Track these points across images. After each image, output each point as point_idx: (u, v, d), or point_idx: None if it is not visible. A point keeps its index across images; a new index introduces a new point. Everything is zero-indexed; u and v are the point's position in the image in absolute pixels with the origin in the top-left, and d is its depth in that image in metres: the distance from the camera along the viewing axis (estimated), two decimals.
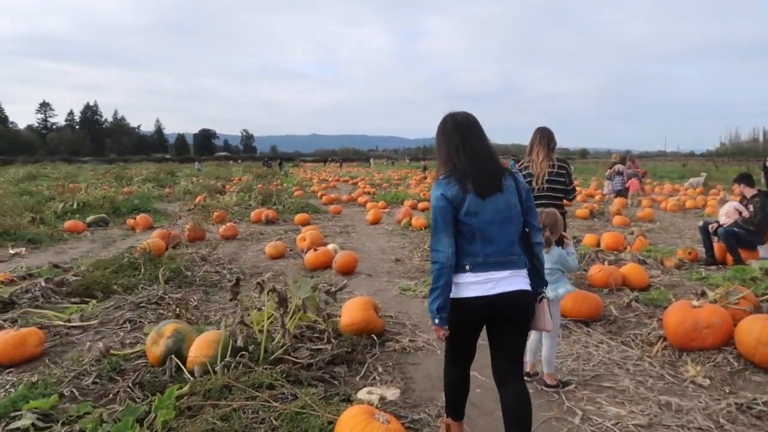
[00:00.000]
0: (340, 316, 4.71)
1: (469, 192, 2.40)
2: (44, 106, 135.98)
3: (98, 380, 3.70)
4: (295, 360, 3.87)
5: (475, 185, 2.41)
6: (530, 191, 2.67)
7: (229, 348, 3.67)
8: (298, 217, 12.91)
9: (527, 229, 2.57)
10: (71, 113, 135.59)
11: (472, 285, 2.40)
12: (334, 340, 4.41)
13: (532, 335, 3.76)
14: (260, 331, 3.96)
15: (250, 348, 3.85)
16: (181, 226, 10.48)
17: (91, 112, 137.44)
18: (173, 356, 3.74)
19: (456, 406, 2.82)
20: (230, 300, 3.78)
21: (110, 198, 14.47)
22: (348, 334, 4.50)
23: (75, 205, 13.93)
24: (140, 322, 5.08)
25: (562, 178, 5.14)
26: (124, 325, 5.00)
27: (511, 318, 2.48)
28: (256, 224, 12.84)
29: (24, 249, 9.22)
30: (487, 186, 2.43)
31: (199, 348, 3.69)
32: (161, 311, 5.40)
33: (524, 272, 2.50)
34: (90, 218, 12.36)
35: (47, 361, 4.20)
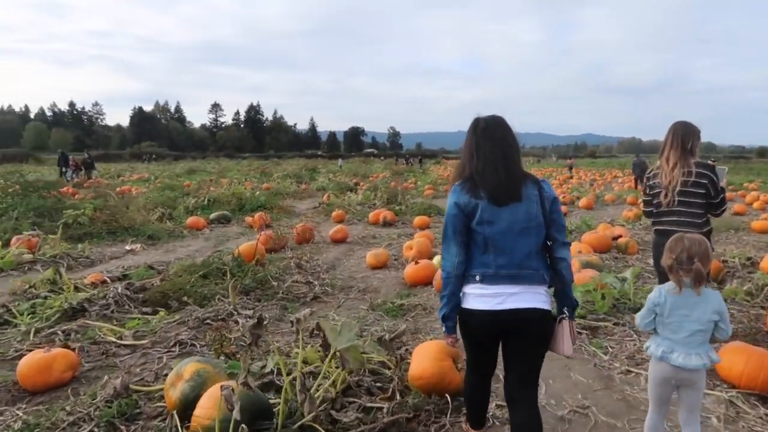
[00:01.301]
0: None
1: (482, 199, 2.30)
2: (215, 107, 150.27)
3: (96, 429, 3.06)
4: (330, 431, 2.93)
5: (489, 192, 2.30)
6: (557, 202, 2.40)
7: (236, 410, 2.83)
8: (418, 219, 12.01)
9: (549, 242, 2.38)
10: (237, 113, 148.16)
11: (480, 297, 2.31)
12: (399, 396, 3.42)
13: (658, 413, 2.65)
14: (291, 385, 3.08)
15: (277, 408, 2.99)
16: (291, 227, 10.05)
17: (254, 111, 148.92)
18: (179, 410, 2.99)
19: (474, 415, 2.82)
20: (248, 345, 2.96)
21: (238, 194, 14.66)
22: (415, 390, 3.47)
23: (206, 201, 14.29)
24: (192, 345, 4.47)
25: (702, 189, 3.69)
26: (173, 349, 4.41)
27: (523, 337, 2.35)
28: (373, 226, 12.16)
29: (139, 245, 9.33)
30: (503, 193, 2.30)
31: (206, 405, 2.88)
32: (224, 332, 4.77)
33: (542, 289, 2.34)
34: (213, 215, 12.50)
35: (69, 392, 3.68)
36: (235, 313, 5.24)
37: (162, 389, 3.51)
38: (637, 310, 2.88)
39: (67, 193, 18.52)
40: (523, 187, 2.32)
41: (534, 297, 2.29)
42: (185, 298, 5.60)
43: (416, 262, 6.78)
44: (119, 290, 5.67)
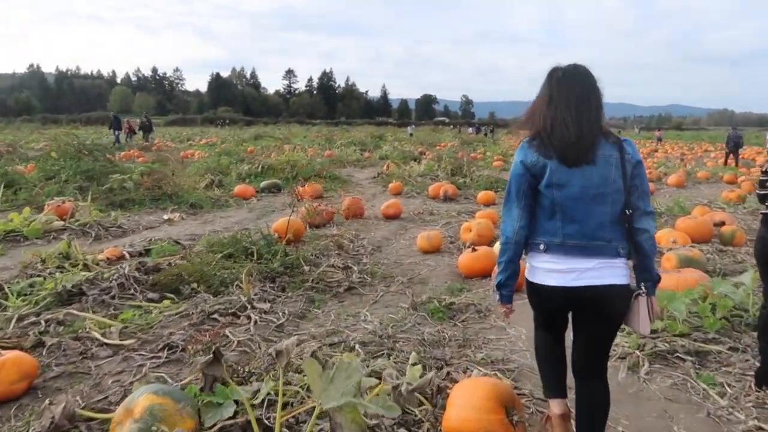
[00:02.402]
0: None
1: (551, 159, 2.04)
2: (289, 74, 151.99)
3: None
4: None
5: (558, 151, 2.03)
6: (641, 165, 2.09)
7: None
8: (482, 195, 10.82)
9: (629, 211, 2.06)
10: (310, 79, 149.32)
11: (553, 273, 2.08)
12: None
13: None
14: None
15: None
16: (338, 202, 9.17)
17: (326, 78, 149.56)
18: None
19: (553, 379, 2.42)
20: (201, 391, 2.08)
21: (293, 161, 13.91)
22: None
23: (259, 168, 13.65)
24: (183, 350, 3.64)
25: None
26: (160, 354, 3.60)
27: (598, 314, 2.13)
28: (433, 200, 11.09)
29: (178, 215, 8.73)
30: (572, 153, 2.02)
31: None
32: (232, 329, 3.94)
33: (619, 262, 2.07)
34: (263, 183, 11.82)
35: (12, 412, 2.93)
36: (249, 306, 4.40)
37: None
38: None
39: (128, 157, 18.54)
40: (600, 147, 2.06)
41: (613, 272, 2.06)
42: (194, 285, 4.81)
43: (473, 249, 5.70)
44: (126, 271, 4.96)
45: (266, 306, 4.43)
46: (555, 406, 2.38)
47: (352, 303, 4.77)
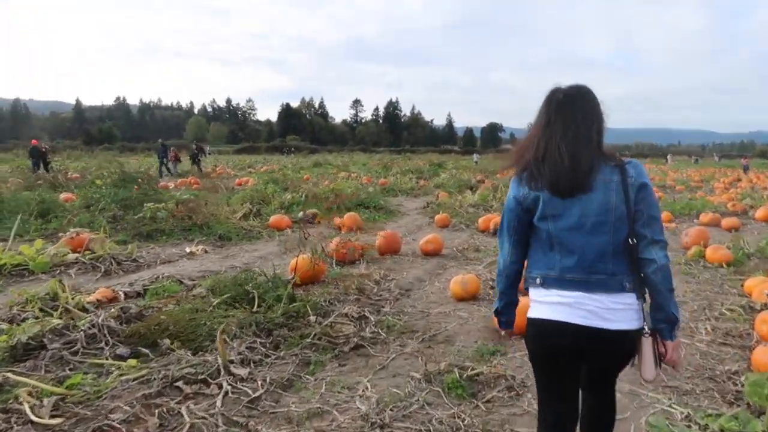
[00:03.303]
0: None
1: (542, 190, 1.90)
2: (356, 103, 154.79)
3: None
4: None
5: (550, 180, 1.88)
6: (647, 188, 1.88)
7: None
8: None
9: (633, 241, 1.86)
10: (376, 108, 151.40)
11: (555, 306, 1.89)
12: None
13: None
14: None
15: None
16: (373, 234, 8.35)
17: (392, 107, 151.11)
18: None
19: None
20: None
21: (338, 190, 13.24)
22: None
23: (302, 196, 13.09)
24: None
25: None
26: None
27: (603, 356, 1.97)
28: (482, 234, 10.08)
29: (202, 248, 8.16)
30: (566, 181, 1.86)
31: None
32: (194, 403, 3.16)
33: (627, 299, 1.86)
34: (301, 213, 11.19)
35: None
36: (223, 371, 3.61)
37: None
38: None
39: (183, 184, 18.54)
40: (597, 173, 1.87)
41: (620, 315, 1.86)
42: (166, 341, 4.07)
43: None
44: (100, 320, 4.30)
45: (244, 372, 3.63)
46: None
47: (355, 368, 3.90)
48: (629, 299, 1.87)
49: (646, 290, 1.90)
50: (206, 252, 8.07)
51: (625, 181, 1.87)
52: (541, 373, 2.06)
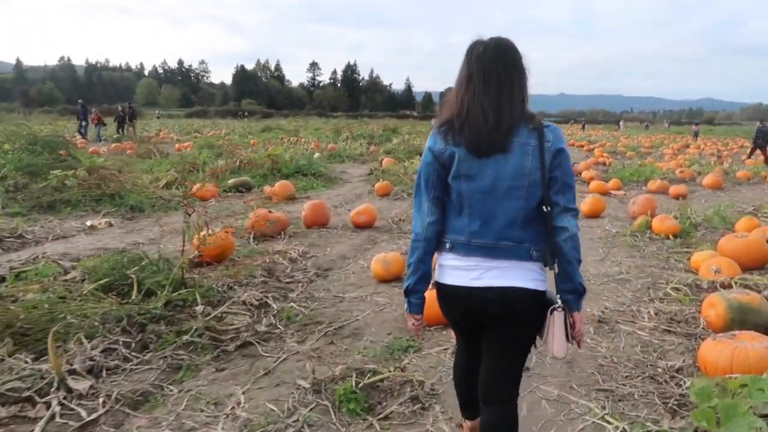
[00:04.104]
0: None
1: (458, 146, 1.79)
2: (313, 66, 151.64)
3: None
4: None
5: (469, 138, 1.77)
6: (563, 154, 1.79)
7: None
8: None
9: (547, 208, 1.78)
10: (334, 72, 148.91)
11: (456, 271, 1.85)
12: None
13: None
14: None
15: None
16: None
17: (350, 71, 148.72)
18: None
19: (465, 397, 2.24)
20: None
21: (274, 156, 12.35)
22: None
23: (237, 163, 12.17)
24: None
25: None
26: None
27: (504, 323, 1.86)
28: None
29: (105, 221, 7.27)
30: (486, 141, 1.76)
31: None
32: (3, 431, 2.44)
33: (532, 266, 1.81)
34: (230, 181, 10.33)
35: None
36: (56, 386, 2.87)
37: None
38: None
39: (118, 149, 17.37)
40: (517, 134, 1.76)
41: (521, 274, 1.81)
42: (8, 340, 3.30)
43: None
44: None
45: (85, 385, 2.90)
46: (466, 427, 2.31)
47: (234, 373, 3.21)
48: (533, 266, 1.82)
49: (555, 261, 1.81)
50: (110, 225, 7.19)
51: (542, 146, 1.77)
52: (454, 328, 2.10)
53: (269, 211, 6.75)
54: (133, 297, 4.06)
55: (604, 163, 17.87)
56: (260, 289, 4.56)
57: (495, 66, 1.79)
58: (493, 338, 1.92)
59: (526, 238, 1.80)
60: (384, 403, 2.87)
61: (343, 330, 3.85)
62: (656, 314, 4.21)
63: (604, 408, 2.84)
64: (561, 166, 1.78)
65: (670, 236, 6.84)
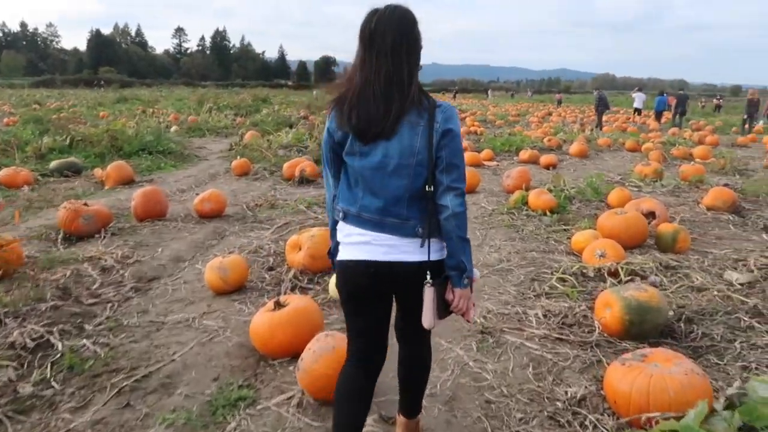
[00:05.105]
0: None
1: (347, 131, 1.82)
2: (179, 32, 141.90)
3: None
4: None
5: (357, 124, 1.78)
6: (451, 135, 1.80)
7: None
8: None
9: (430, 188, 1.80)
10: (202, 39, 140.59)
11: (351, 246, 1.88)
12: None
13: None
14: None
15: None
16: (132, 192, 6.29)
17: (220, 37, 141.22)
18: None
19: (343, 425, 1.98)
20: None
21: (113, 132, 10.60)
22: None
23: (68, 141, 10.32)
24: None
25: None
26: None
27: (398, 294, 1.97)
28: (286, 183, 8.42)
29: None
30: (374, 127, 1.76)
31: None
32: None
33: (415, 242, 1.83)
34: (54, 164, 8.60)
35: None
36: None
37: None
38: None
39: None
40: (408, 114, 1.78)
41: (408, 248, 1.84)
42: None
43: (278, 304, 3.13)
44: None
45: None
46: None
47: None
48: (417, 241, 1.83)
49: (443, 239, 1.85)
50: None
51: (431, 126, 1.77)
52: (352, 314, 2.00)
53: (84, 204, 5.39)
54: None
55: (476, 132, 17.76)
56: (47, 319, 3.37)
57: (387, 45, 1.74)
58: (400, 304, 1.99)
59: (411, 216, 1.82)
60: None
61: (149, 380, 2.79)
62: (545, 316, 3.60)
63: None
64: (448, 146, 1.78)
65: (547, 212, 6.43)
